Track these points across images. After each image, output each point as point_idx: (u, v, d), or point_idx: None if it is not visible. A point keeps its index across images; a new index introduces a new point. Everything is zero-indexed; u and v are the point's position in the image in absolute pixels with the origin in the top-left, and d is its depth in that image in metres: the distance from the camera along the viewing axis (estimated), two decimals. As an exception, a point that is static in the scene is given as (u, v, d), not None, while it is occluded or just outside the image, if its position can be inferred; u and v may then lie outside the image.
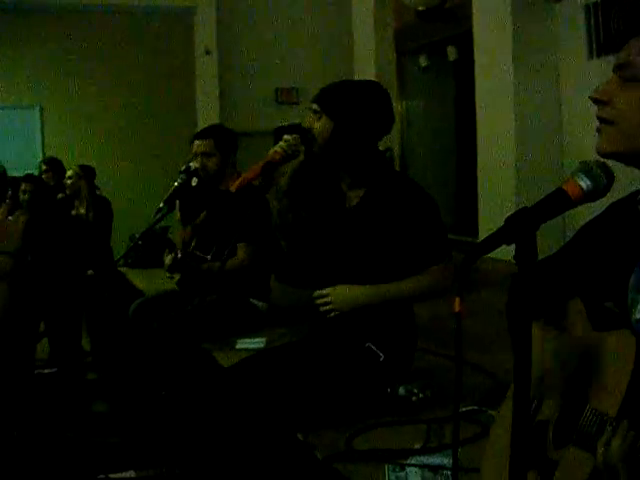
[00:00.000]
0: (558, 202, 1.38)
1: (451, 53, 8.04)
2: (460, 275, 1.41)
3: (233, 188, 2.91)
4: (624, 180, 1.62)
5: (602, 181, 1.41)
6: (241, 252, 4.02)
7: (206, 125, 4.47)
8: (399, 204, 2.79)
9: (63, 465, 3.94)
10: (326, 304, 2.85)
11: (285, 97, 9.48)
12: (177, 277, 4.29)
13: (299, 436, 2.57)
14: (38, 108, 9.10)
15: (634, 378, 1.37)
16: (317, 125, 2.83)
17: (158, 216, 4.12)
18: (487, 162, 6.84)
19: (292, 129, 2.96)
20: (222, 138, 4.20)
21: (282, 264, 4.44)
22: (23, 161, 8.18)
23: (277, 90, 9.50)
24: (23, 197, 6.09)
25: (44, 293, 5.58)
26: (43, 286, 5.57)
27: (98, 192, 6.64)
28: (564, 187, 1.39)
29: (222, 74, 9.26)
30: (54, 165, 6.95)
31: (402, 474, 2.22)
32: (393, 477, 2.21)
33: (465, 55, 7.52)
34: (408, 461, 2.30)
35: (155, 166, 8.68)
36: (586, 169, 1.41)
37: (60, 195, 6.57)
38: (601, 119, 1.57)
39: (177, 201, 4.38)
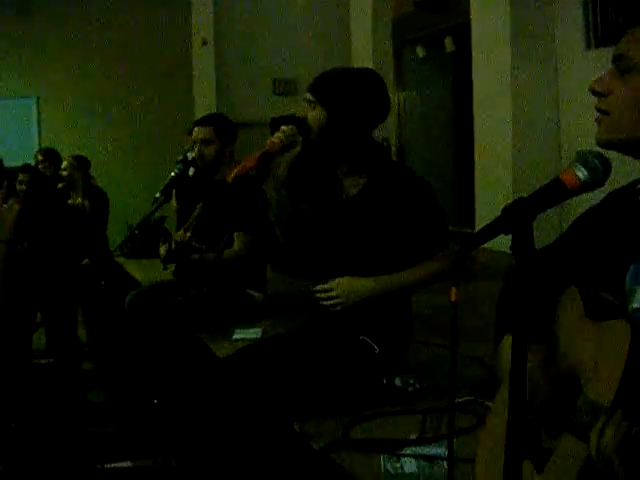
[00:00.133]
0: (555, 192, 1.38)
1: (449, 44, 8.04)
2: (456, 265, 1.41)
3: (230, 178, 2.90)
4: (623, 170, 1.62)
5: (599, 171, 1.41)
6: (237, 242, 4.02)
7: (201, 117, 4.45)
8: (399, 193, 2.79)
9: (60, 455, 3.94)
10: (329, 298, 2.84)
11: (282, 88, 9.47)
12: (172, 268, 4.28)
13: (295, 426, 2.57)
14: (35, 99, 9.08)
15: (629, 367, 1.37)
16: (311, 114, 2.82)
17: (155, 206, 4.11)
18: (484, 153, 6.83)
19: (289, 120, 2.95)
20: (222, 127, 4.19)
21: (279, 254, 4.44)
22: (20, 152, 8.18)
23: (274, 81, 9.48)
24: (20, 187, 6.07)
25: (40, 283, 5.58)
26: (39, 276, 5.57)
27: (93, 182, 6.63)
28: (561, 177, 1.39)
29: (219, 65, 9.24)
30: (50, 155, 6.93)
31: (398, 464, 2.22)
32: (389, 467, 2.21)
33: (463, 46, 7.51)
34: (404, 451, 2.30)
35: (152, 156, 8.67)
36: (583, 159, 1.41)
37: (60, 184, 6.56)
38: (599, 110, 1.57)
39: (174, 191, 4.38)
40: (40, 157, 6.99)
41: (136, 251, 6.14)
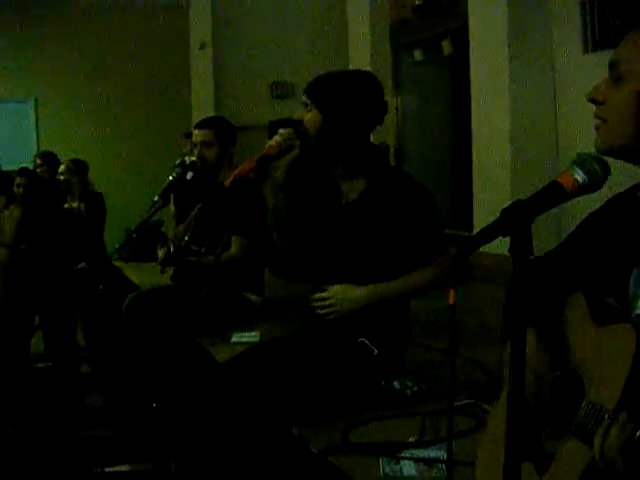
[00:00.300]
0: (553, 194, 1.38)
1: (446, 47, 8.04)
2: (455, 267, 1.41)
3: (228, 182, 2.90)
4: (623, 173, 1.62)
5: (597, 174, 1.41)
6: (235, 245, 4.02)
7: (200, 119, 4.45)
8: (398, 200, 2.79)
9: (58, 459, 3.94)
10: (325, 307, 2.84)
11: (280, 91, 9.47)
12: (169, 271, 4.28)
13: (294, 430, 2.56)
14: (33, 101, 9.08)
15: (633, 372, 1.37)
16: (307, 117, 2.82)
17: (152, 210, 4.11)
18: (482, 156, 6.83)
19: (287, 123, 2.95)
20: (222, 130, 4.19)
21: (277, 258, 4.44)
22: (17, 155, 8.17)
23: (272, 84, 9.48)
24: (17, 191, 6.07)
25: (38, 286, 5.57)
26: (37, 279, 5.57)
27: (90, 186, 6.62)
28: (559, 180, 1.40)
29: (217, 68, 9.25)
30: (49, 159, 6.93)
31: (397, 467, 2.22)
32: (388, 470, 2.21)
33: (460, 50, 7.51)
34: (403, 454, 2.30)
35: (150, 160, 8.68)
36: (581, 162, 1.41)
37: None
38: (597, 117, 1.58)
39: (172, 195, 4.37)
40: (38, 161, 6.98)
41: (134, 255, 6.14)
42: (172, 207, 4.66)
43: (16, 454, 3.98)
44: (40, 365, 5.54)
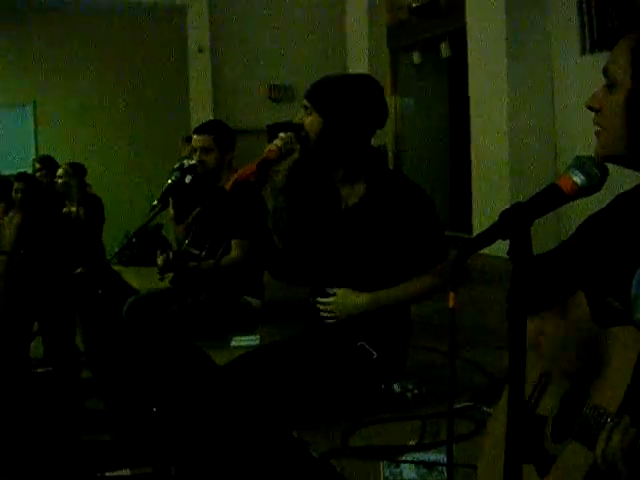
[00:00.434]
0: (552, 197, 1.38)
1: (444, 50, 8.05)
2: (454, 270, 1.41)
3: (228, 186, 2.90)
4: (624, 175, 1.63)
5: (596, 176, 1.41)
6: (235, 249, 4.01)
7: (199, 123, 4.46)
8: (398, 205, 2.78)
9: (59, 464, 3.93)
10: (326, 311, 2.84)
11: (279, 94, 9.48)
12: (169, 277, 4.28)
13: (294, 433, 2.56)
14: (31, 105, 9.08)
15: (636, 375, 1.37)
16: (308, 121, 2.82)
17: (152, 214, 4.11)
18: (481, 158, 6.84)
19: (286, 126, 2.94)
20: (221, 134, 4.18)
21: (277, 261, 4.44)
22: (16, 159, 8.18)
23: (271, 87, 9.49)
24: (16, 196, 6.08)
25: (37, 292, 5.57)
26: (36, 284, 5.57)
27: (89, 190, 6.62)
28: (558, 182, 1.39)
29: (215, 72, 9.26)
30: (47, 163, 6.93)
31: (397, 471, 2.22)
32: (388, 474, 2.21)
33: (459, 52, 7.53)
34: (403, 458, 2.30)
35: (149, 164, 8.68)
36: (580, 164, 1.41)
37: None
38: (596, 124, 1.59)
39: (170, 198, 4.37)
40: (37, 165, 6.99)
41: (133, 259, 6.13)
42: (171, 211, 4.67)
43: (17, 459, 3.98)
44: (40, 370, 5.54)
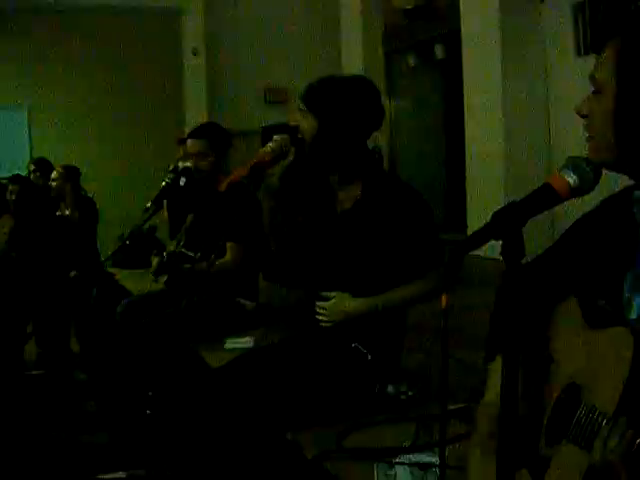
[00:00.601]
0: (545, 197, 1.38)
1: (439, 52, 8.06)
2: (447, 271, 1.41)
3: (222, 187, 2.90)
4: (616, 175, 1.62)
5: (589, 177, 1.41)
6: (230, 252, 4.01)
7: (194, 125, 4.44)
8: (394, 209, 2.77)
9: (53, 467, 3.92)
10: (320, 314, 2.84)
11: (274, 97, 9.48)
12: (163, 279, 4.27)
13: (288, 435, 2.56)
14: (25, 108, 9.07)
15: (632, 376, 1.36)
16: (303, 123, 2.81)
17: (145, 216, 4.10)
18: (475, 160, 6.85)
19: (280, 129, 2.94)
20: (216, 138, 4.16)
21: (271, 263, 4.43)
22: (10, 162, 8.16)
23: (266, 90, 9.49)
24: (10, 198, 6.07)
25: (31, 294, 5.56)
26: (30, 287, 5.56)
27: (83, 192, 6.61)
28: (551, 182, 1.39)
29: (210, 74, 9.26)
30: (42, 165, 6.92)
31: (391, 472, 2.21)
32: (382, 475, 2.20)
33: (453, 54, 7.54)
34: (397, 459, 2.29)
35: (143, 166, 8.67)
36: (573, 165, 1.41)
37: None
38: (586, 130, 1.59)
39: (165, 201, 4.37)
40: (32, 167, 6.98)
41: (128, 261, 6.12)
42: (165, 213, 4.66)
43: (11, 462, 3.97)
44: (34, 373, 5.53)
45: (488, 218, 1.36)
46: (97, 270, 5.80)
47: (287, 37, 9.38)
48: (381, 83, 8.81)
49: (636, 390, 1.36)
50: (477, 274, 4.87)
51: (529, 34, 6.39)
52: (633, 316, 1.50)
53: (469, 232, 6.79)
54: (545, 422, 1.56)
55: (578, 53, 5.99)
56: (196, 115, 8.87)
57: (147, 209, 4.10)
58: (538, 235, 1.88)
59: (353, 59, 9.24)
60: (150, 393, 3.73)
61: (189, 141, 4.18)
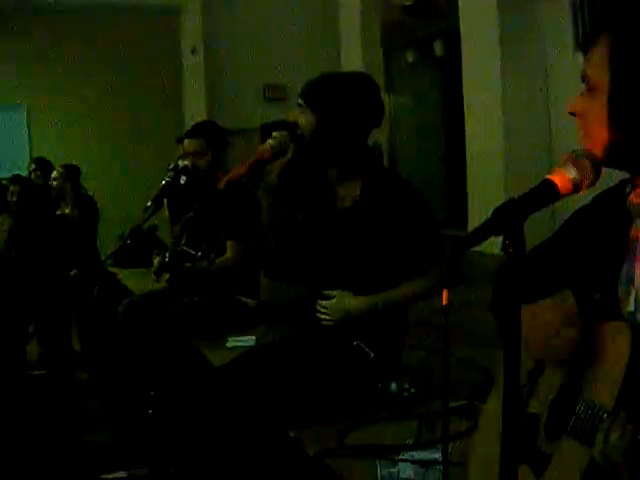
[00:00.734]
0: (546, 193, 1.37)
1: (438, 48, 8.05)
2: (449, 268, 1.40)
3: (221, 185, 2.89)
4: (616, 171, 1.62)
5: (589, 172, 1.40)
6: (230, 250, 4.01)
7: (193, 123, 4.43)
8: (395, 207, 2.77)
9: (55, 466, 3.92)
10: (321, 313, 2.84)
11: (273, 94, 9.47)
12: (164, 278, 4.27)
13: (290, 433, 2.56)
14: (25, 108, 9.06)
15: (630, 370, 1.36)
16: (302, 119, 2.80)
17: (146, 215, 4.10)
18: (475, 157, 6.84)
19: (279, 125, 2.93)
20: (213, 136, 4.17)
21: (272, 261, 4.43)
22: (10, 162, 8.16)
23: (265, 87, 9.48)
24: (11, 199, 6.07)
25: (32, 293, 5.56)
26: (31, 286, 5.56)
27: (83, 191, 6.61)
28: (551, 178, 1.38)
29: (209, 72, 9.25)
30: (43, 165, 6.93)
31: (394, 469, 2.21)
32: (385, 472, 2.20)
33: (452, 50, 7.53)
34: (400, 456, 2.29)
35: (143, 165, 8.66)
36: (573, 160, 1.40)
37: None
38: (581, 129, 1.58)
39: (165, 199, 4.36)
40: (33, 166, 6.99)
41: (129, 260, 6.11)
42: (166, 211, 4.65)
43: (13, 462, 3.97)
44: (35, 373, 5.53)
45: (489, 215, 1.36)
46: (98, 269, 5.80)
47: (286, 34, 9.36)
48: (380, 80, 8.79)
49: (635, 384, 1.36)
50: (478, 270, 4.86)
51: (528, 31, 6.38)
52: (630, 309, 1.49)
53: (469, 228, 6.79)
54: (544, 418, 1.56)
55: (577, 48, 5.97)
56: (195, 113, 8.86)
57: (147, 208, 4.09)
58: (538, 230, 1.87)
59: (352, 56, 9.23)
60: (152, 392, 3.73)
61: (186, 140, 4.19)
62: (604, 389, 1.39)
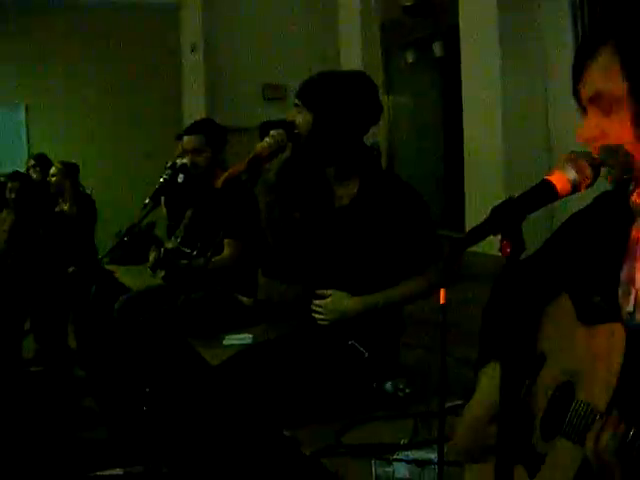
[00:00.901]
0: (544, 193, 1.36)
1: (437, 48, 8.04)
2: (446, 267, 1.40)
3: (219, 183, 2.89)
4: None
5: (588, 172, 1.40)
6: (227, 249, 4.00)
7: (192, 122, 4.43)
8: (392, 206, 2.77)
9: (52, 463, 3.92)
10: (316, 312, 2.84)
11: (272, 93, 9.46)
12: (160, 274, 4.27)
13: (286, 432, 2.55)
14: (23, 106, 9.06)
15: (624, 372, 1.36)
16: (299, 118, 2.80)
17: (143, 212, 4.10)
18: (474, 157, 6.84)
19: (278, 124, 2.93)
20: (212, 134, 4.17)
21: (269, 259, 4.43)
22: (9, 159, 8.15)
23: (264, 86, 9.48)
24: (10, 196, 6.06)
25: (29, 290, 5.56)
26: (28, 283, 5.55)
27: (81, 189, 6.61)
28: (550, 178, 1.38)
29: (208, 70, 9.24)
30: (42, 161, 6.93)
31: (389, 469, 2.21)
32: (380, 472, 2.20)
33: (452, 50, 7.52)
34: (395, 456, 2.29)
35: (141, 163, 8.66)
36: (572, 160, 1.40)
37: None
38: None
39: (162, 197, 4.36)
40: (32, 162, 7.00)
41: (126, 258, 6.11)
42: (163, 209, 4.65)
43: (9, 459, 3.97)
44: (32, 369, 5.53)
45: (487, 214, 1.36)
46: (95, 267, 5.80)
47: (286, 33, 9.36)
48: (379, 80, 8.79)
49: (628, 385, 1.35)
50: (475, 270, 4.86)
51: (528, 31, 6.38)
52: (629, 309, 1.49)
53: (467, 229, 6.79)
54: (539, 419, 1.56)
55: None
56: (194, 111, 8.86)
57: (145, 206, 4.09)
58: (538, 229, 1.87)
59: (351, 56, 9.22)
60: (148, 389, 3.72)
61: (185, 137, 4.19)
62: (598, 390, 1.39)
